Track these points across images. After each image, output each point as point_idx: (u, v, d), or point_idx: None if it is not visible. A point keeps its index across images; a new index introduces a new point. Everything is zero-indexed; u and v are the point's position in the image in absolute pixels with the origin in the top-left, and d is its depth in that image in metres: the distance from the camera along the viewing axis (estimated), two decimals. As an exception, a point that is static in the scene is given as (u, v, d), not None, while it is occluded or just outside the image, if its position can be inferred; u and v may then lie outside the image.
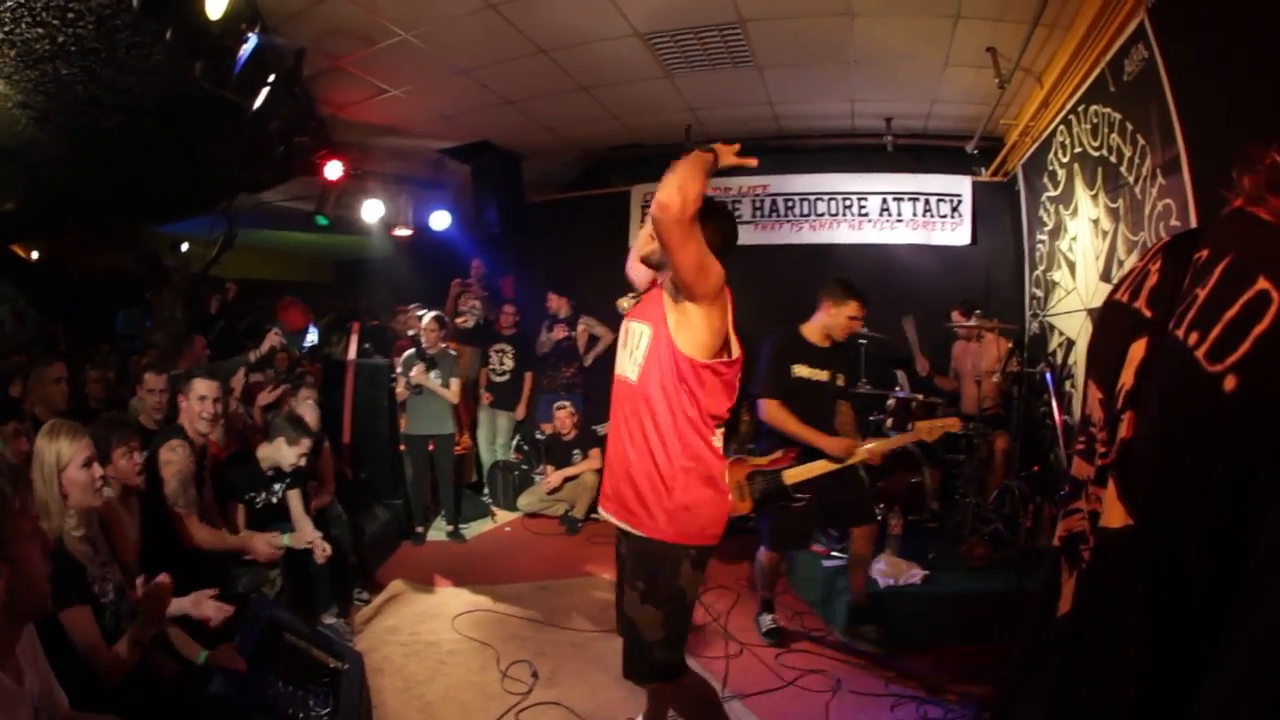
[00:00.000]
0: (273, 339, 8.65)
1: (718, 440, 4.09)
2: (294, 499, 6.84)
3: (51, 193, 11.90)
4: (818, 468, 6.24)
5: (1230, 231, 1.90)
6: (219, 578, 5.36)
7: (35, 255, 18.41)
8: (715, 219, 3.94)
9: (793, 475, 6.24)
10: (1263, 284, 1.63)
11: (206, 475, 6.18)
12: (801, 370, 6.60)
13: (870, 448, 6.36)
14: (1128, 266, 1.93)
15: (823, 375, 6.66)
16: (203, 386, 6.04)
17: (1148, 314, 1.94)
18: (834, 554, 7.63)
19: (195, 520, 5.61)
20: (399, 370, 9.84)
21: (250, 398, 8.17)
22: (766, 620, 6.95)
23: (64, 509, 3.96)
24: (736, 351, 3.93)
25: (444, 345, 9.89)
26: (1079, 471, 2.11)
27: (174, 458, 5.60)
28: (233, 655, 4.44)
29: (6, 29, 6.73)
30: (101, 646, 3.71)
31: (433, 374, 9.59)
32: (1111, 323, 2.05)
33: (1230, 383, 1.60)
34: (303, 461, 6.82)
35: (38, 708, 2.65)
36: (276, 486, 6.81)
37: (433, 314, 9.91)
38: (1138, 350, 1.91)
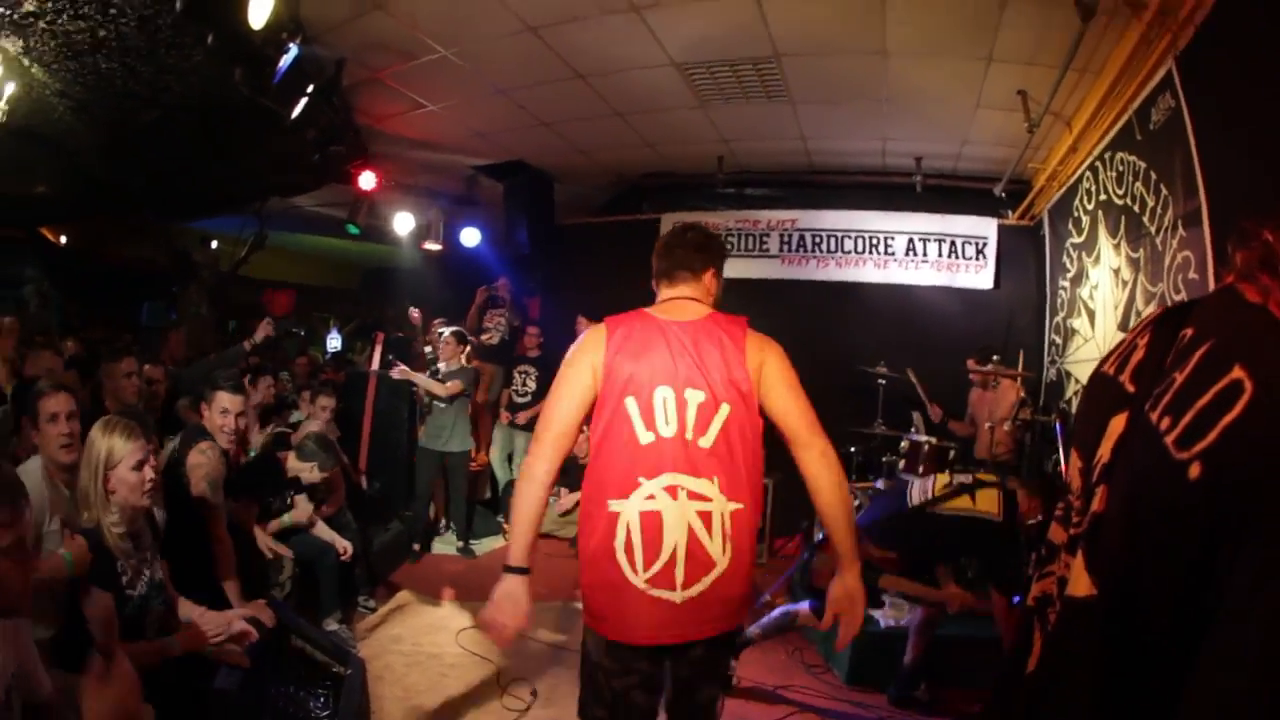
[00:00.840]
0: (265, 328, 8.60)
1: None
2: (301, 501, 6.93)
3: (84, 180, 11.98)
4: (915, 590, 6.10)
5: (1217, 311, 1.92)
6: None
7: (64, 240, 18.50)
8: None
9: (891, 582, 6.07)
10: (1237, 373, 1.65)
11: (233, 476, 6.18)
12: None
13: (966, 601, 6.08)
14: (1119, 337, 1.89)
15: None
16: (226, 400, 5.90)
17: (1130, 389, 1.95)
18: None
19: (222, 524, 5.56)
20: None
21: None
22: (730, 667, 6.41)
23: (106, 503, 3.99)
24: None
25: (463, 361, 9.95)
26: (1055, 536, 2.13)
27: (203, 460, 5.57)
28: (237, 653, 4.48)
29: (48, 19, 6.80)
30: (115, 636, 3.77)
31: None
32: (1097, 394, 2.08)
33: (1195, 471, 1.62)
34: (316, 479, 6.88)
35: (10, 686, 2.70)
36: (290, 492, 6.87)
37: (453, 329, 9.93)
38: (1117, 425, 1.92)
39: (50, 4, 6.54)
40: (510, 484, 11.70)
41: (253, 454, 7.06)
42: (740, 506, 3.43)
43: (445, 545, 10.19)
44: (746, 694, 6.56)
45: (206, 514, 5.44)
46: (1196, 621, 1.65)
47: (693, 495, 3.39)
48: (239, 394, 6.03)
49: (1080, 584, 1.89)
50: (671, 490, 3.40)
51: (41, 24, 6.90)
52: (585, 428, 3.54)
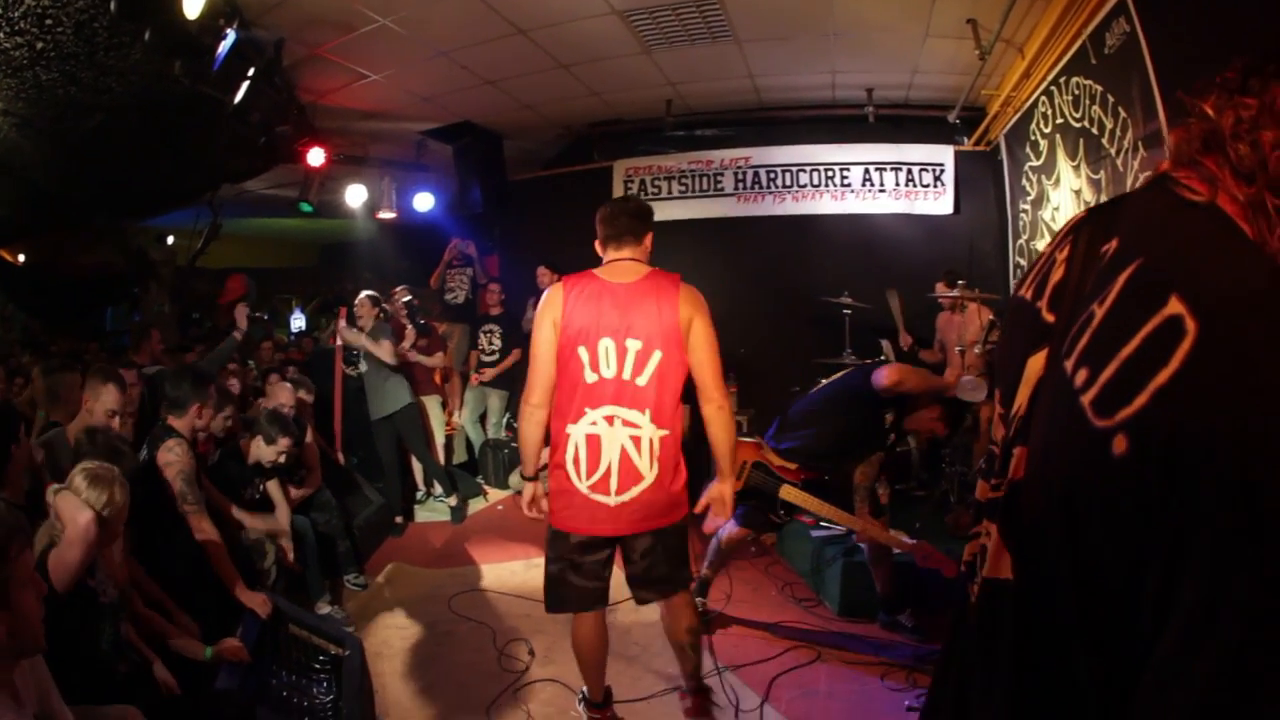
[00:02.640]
0: (242, 313, 8.43)
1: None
2: (273, 488, 6.85)
3: (36, 196, 11.91)
4: (815, 506, 6.13)
5: (1147, 214, 1.50)
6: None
7: (21, 258, 18.36)
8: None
9: (790, 494, 6.13)
10: (1174, 307, 1.23)
11: (203, 472, 6.14)
12: None
13: (872, 533, 6.11)
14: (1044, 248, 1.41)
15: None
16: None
17: (1049, 318, 1.53)
18: (821, 523, 7.63)
19: (205, 517, 5.51)
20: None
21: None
22: (696, 602, 6.57)
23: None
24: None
25: (383, 320, 9.66)
26: (980, 493, 1.70)
27: (173, 458, 5.51)
28: (237, 648, 4.47)
29: (-15, 42, 6.74)
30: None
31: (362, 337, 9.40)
32: (1015, 325, 1.65)
33: (1119, 445, 1.22)
34: (282, 459, 6.82)
35: None
36: (257, 480, 6.83)
37: (367, 294, 9.77)
38: (1035, 366, 1.50)
39: (-14, 27, 6.47)
40: (485, 445, 11.72)
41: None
42: (666, 433, 4.55)
43: (429, 513, 10.18)
44: (743, 632, 6.63)
45: (188, 511, 5.41)
46: (1128, 634, 1.26)
47: (626, 423, 4.52)
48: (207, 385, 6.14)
49: (999, 563, 1.52)
50: (609, 419, 4.53)
51: (-22, 48, 6.83)
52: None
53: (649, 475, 4.53)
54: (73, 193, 12.11)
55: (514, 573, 8.14)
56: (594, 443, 4.54)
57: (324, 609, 6.70)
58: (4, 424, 4.81)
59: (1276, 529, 1.07)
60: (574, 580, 4.76)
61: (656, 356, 4.49)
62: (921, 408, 6.26)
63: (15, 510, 2.78)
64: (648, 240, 4.84)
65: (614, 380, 4.51)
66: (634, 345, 4.50)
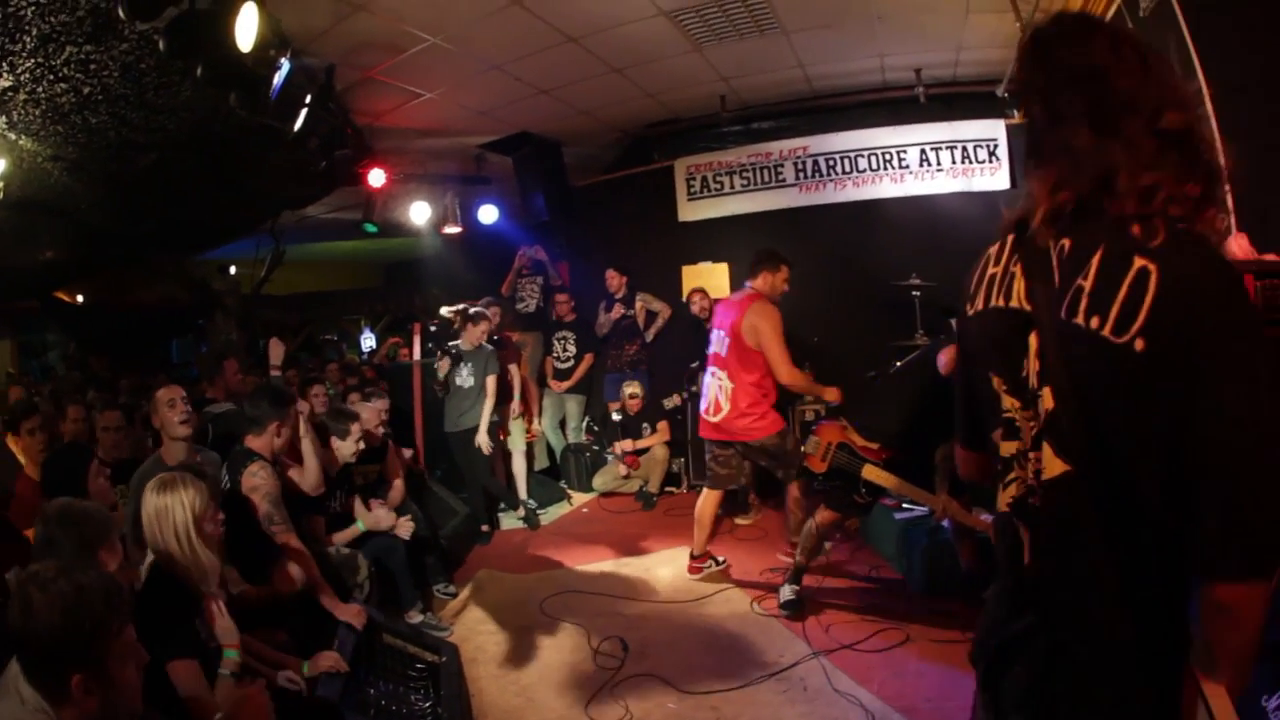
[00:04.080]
0: (275, 348, 8.36)
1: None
2: (355, 503, 6.97)
3: (91, 238, 12.04)
4: (896, 485, 6.24)
5: (1084, 224, 2.03)
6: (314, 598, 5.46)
7: (80, 299, 18.58)
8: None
9: (872, 473, 6.21)
10: (1139, 262, 1.85)
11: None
12: None
13: (952, 511, 6.25)
14: (984, 271, 1.84)
15: None
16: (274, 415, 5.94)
17: (1029, 309, 2.09)
18: (904, 505, 7.64)
19: (294, 535, 5.57)
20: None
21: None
22: (787, 591, 6.89)
23: (201, 557, 3.97)
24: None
25: (482, 343, 9.60)
26: (1006, 450, 2.20)
27: (258, 481, 5.57)
28: (335, 659, 4.54)
29: (28, 90, 6.82)
30: (206, 697, 3.79)
31: (464, 369, 9.49)
32: (997, 326, 2.18)
33: (1139, 345, 1.81)
34: (361, 445, 6.95)
35: None
36: (339, 493, 6.93)
37: (453, 308, 9.87)
38: (1034, 342, 2.06)
39: (27, 75, 6.55)
40: (566, 449, 11.88)
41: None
42: (734, 386, 7.49)
43: (515, 520, 10.23)
44: (834, 617, 6.69)
45: (275, 532, 5.49)
46: (1170, 459, 1.84)
47: (715, 376, 7.66)
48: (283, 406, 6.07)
49: (1054, 467, 2.01)
50: (714, 375, 7.68)
51: (21, 96, 6.90)
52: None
53: (725, 408, 7.52)
54: (128, 231, 12.18)
55: (603, 573, 8.22)
56: (707, 387, 7.78)
57: (416, 618, 6.79)
58: (76, 461, 4.96)
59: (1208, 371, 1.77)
60: (713, 466, 7.89)
61: (727, 341, 7.54)
62: None
63: (117, 584, 2.85)
64: (761, 274, 7.66)
65: (715, 354, 7.70)
66: (721, 334, 7.65)
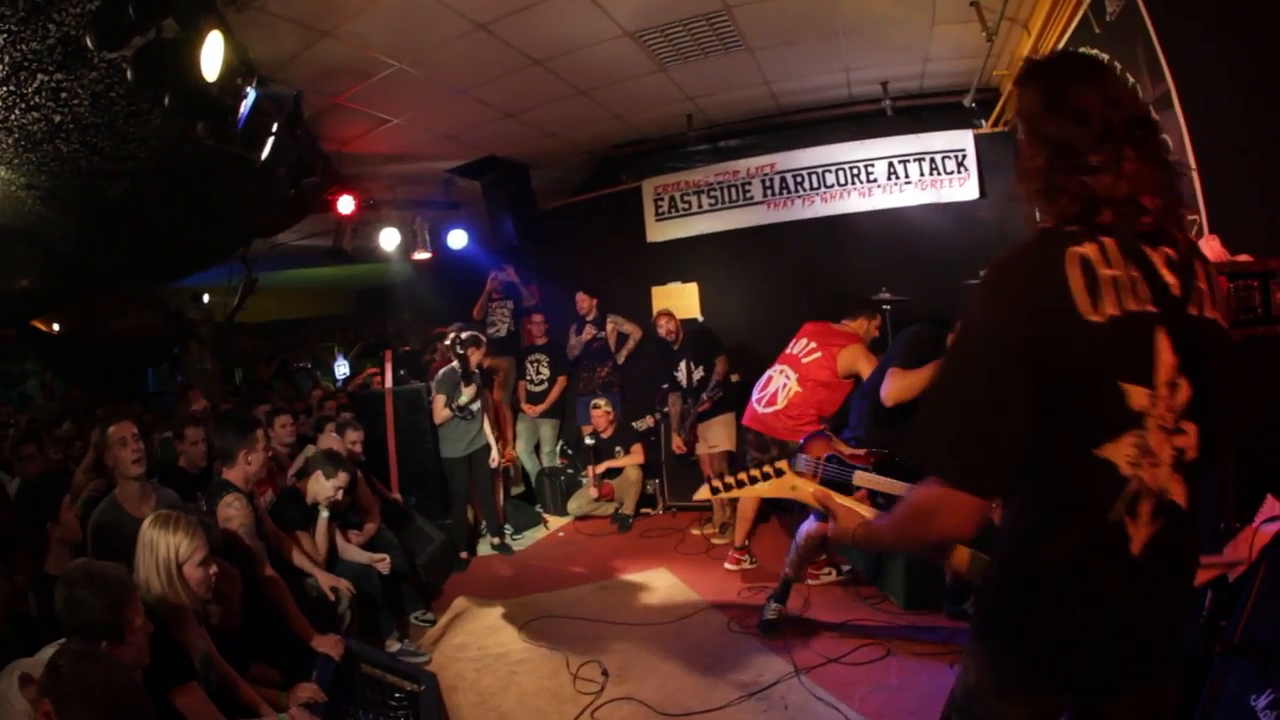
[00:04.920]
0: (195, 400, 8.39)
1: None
2: (320, 526, 6.84)
3: (66, 266, 11.98)
4: (888, 485, 6.16)
5: (1161, 235, 2.27)
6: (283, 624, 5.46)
7: (56, 327, 18.51)
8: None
9: (864, 479, 6.10)
10: (1201, 265, 2.25)
11: (265, 519, 6.25)
12: None
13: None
14: (1092, 276, 1.91)
15: None
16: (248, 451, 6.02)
17: (1154, 309, 2.18)
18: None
19: (266, 565, 5.65)
20: (434, 391, 9.80)
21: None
22: (771, 610, 6.85)
23: (180, 597, 4.05)
24: None
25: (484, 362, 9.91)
26: (1125, 455, 2.22)
27: (233, 513, 5.64)
28: (313, 690, 4.53)
29: (0, 118, 6.84)
30: (216, 716, 3.83)
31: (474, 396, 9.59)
32: (1134, 330, 2.19)
33: (1237, 336, 2.20)
34: (340, 495, 6.89)
35: None
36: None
37: (472, 334, 9.93)
38: (1162, 339, 2.17)
39: (0, 103, 6.56)
40: (541, 474, 11.86)
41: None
42: (801, 390, 7.89)
43: (488, 547, 10.23)
44: (814, 633, 6.69)
45: (251, 561, 5.51)
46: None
47: (783, 372, 8.07)
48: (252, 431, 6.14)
49: (1194, 449, 2.21)
50: (783, 372, 8.08)
51: (-5, 123, 6.91)
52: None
53: (779, 404, 7.94)
54: (102, 259, 12.15)
55: (581, 596, 8.20)
56: (770, 379, 8.17)
57: (394, 646, 6.78)
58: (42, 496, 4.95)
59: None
60: (754, 453, 8.16)
61: (816, 356, 7.92)
62: None
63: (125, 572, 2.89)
64: (860, 320, 8.26)
65: (792, 354, 8.13)
66: (811, 344, 8.03)
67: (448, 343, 9.92)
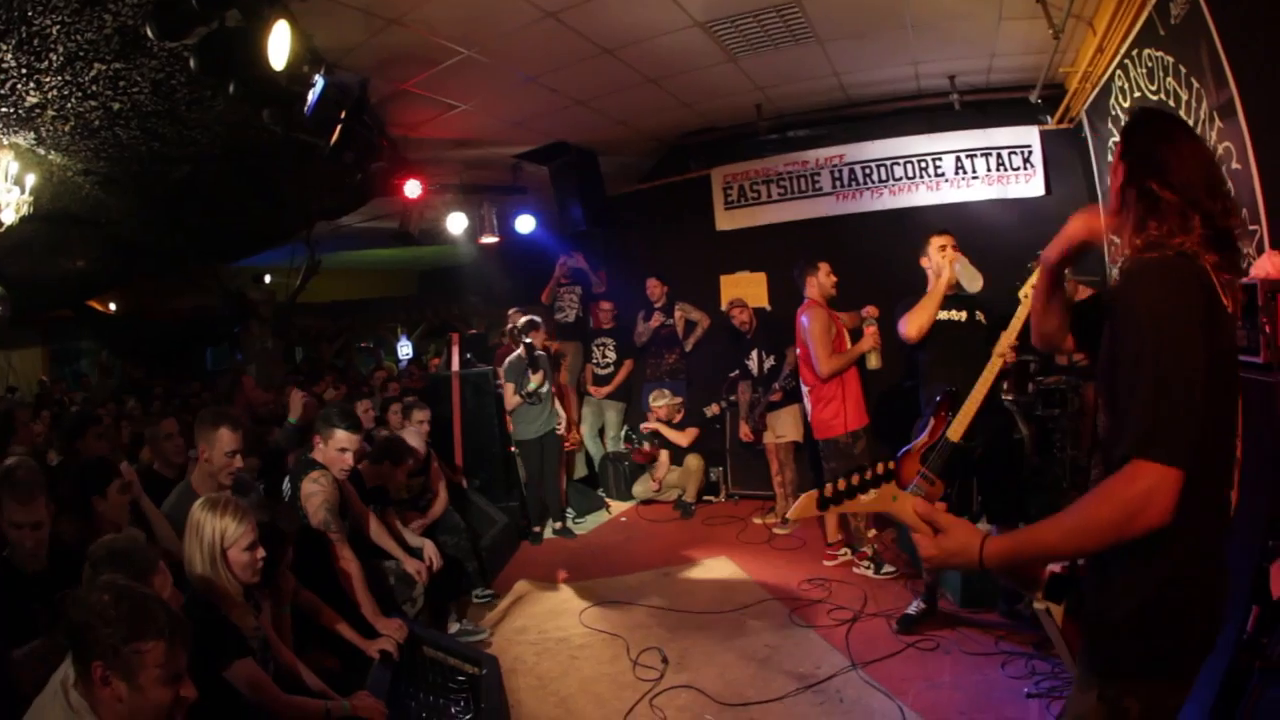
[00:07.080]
0: (297, 402, 8.12)
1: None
2: (373, 521, 6.64)
3: (124, 248, 12.08)
4: (971, 408, 6.12)
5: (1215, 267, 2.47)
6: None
7: (113, 307, 18.67)
8: None
9: (956, 431, 6.05)
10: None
11: (352, 497, 6.30)
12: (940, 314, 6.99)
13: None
14: (1210, 282, 2.05)
15: (960, 315, 7.14)
16: (344, 438, 5.95)
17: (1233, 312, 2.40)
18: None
19: (346, 545, 5.68)
20: (504, 378, 9.91)
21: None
22: (915, 605, 6.78)
23: (222, 578, 4.08)
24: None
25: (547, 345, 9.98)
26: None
27: (318, 488, 5.69)
28: (374, 707, 4.52)
29: (56, 107, 6.89)
30: (275, 689, 3.90)
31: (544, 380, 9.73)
32: (1225, 321, 2.43)
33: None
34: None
35: None
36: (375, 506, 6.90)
37: (529, 318, 10.02)
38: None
39: (55, 92, 6.62)
40: (605, 458, 11.94)
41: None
42: (809, 388, 8.27)
43: (550, 530, 10.28)
44: (870, 627, 6.72)
45: (330, 541, 5.59)
46: None
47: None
48: (356, 432, 6.07)
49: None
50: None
51: (50, 112, 6.98)
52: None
53: (806, 404, 8.38)
54: (162, 241, 12.27)
55: (643, 583, 8.24)
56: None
57: (453, 626, 6.87)
58: (92, 476, 5.00)
59: None
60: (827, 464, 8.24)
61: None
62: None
63: (172, 610, 2.92)
64: (806, 280, 8.62)
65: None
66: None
67: (509, 327, 9.97)
